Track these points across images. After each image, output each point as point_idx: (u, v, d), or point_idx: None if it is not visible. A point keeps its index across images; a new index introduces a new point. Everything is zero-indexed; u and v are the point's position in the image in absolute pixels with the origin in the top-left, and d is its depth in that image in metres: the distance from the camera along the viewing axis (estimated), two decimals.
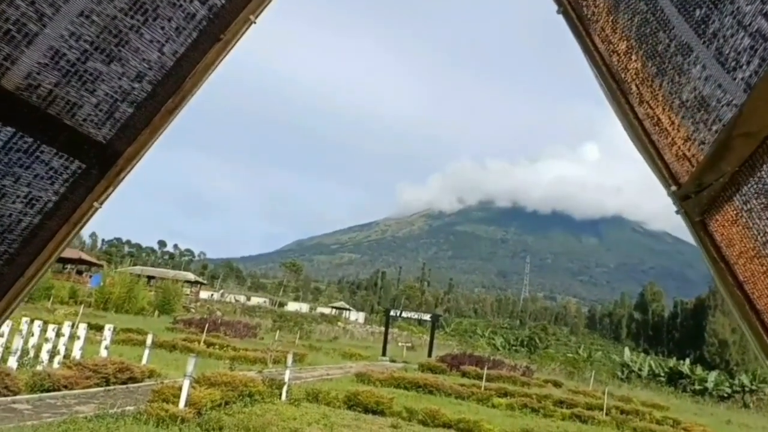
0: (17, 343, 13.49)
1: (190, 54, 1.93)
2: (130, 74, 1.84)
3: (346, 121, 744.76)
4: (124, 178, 2.01)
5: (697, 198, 1.65)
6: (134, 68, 1.83)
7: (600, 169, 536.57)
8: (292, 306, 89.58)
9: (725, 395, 45.60)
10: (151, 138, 2.02)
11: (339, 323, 72.12)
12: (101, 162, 1.95)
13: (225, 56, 2.04)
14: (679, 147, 1.72)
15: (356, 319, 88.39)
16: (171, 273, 76.65)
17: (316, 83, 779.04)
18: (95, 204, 1.99)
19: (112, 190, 2.02)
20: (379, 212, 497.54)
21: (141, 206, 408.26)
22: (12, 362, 13.09)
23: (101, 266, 67.14)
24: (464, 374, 28.20)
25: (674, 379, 48.46)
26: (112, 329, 15.02)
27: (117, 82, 1.83)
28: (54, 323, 15.73)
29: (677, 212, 1.75)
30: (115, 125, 1.91)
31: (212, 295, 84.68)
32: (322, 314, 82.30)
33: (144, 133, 1.99)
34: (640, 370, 50.90)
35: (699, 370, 52.32)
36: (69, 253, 68.32)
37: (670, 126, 1.74)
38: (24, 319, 14.51)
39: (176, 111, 2.02)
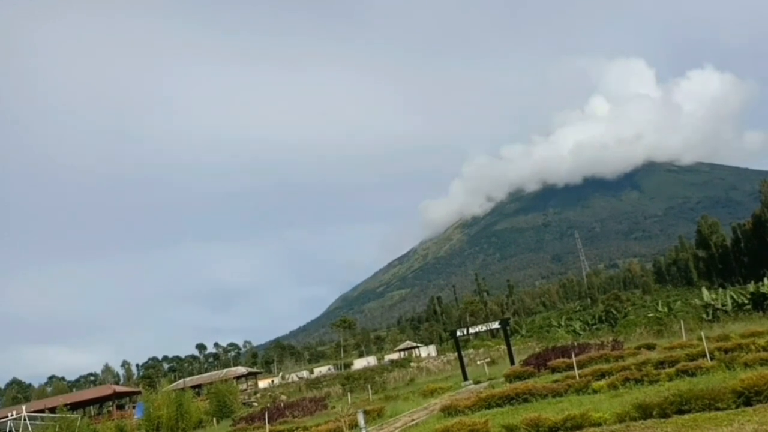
0: None
1: None
2: None
3: (334, 159, 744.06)
4: None
5: None
6: None
7: (614, 120, 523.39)
8: (358, 363, 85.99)
9: None
10: None
11: (411, 364, 69.95)
12: None
13: None
14: None
15: (428, 354, 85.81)
16: (220, 373, 72.11)
17: (297, 135, 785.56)
18: None
19: None
20: (412, 239, 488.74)
21: (163, 321, 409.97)
22: None
23: (139, 392, 64.22)
24: (554, 370, 26.42)
25: (759, 302, 46.25)
26: None
27: None
28: None
29: None
30: None
31: (272, 381, 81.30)
32: (392, 361, 79.41)
33: None
34: (723, 305, 48.75)
35: None
36: (102, 390, 66.24)
37: None
38: None
39: None
